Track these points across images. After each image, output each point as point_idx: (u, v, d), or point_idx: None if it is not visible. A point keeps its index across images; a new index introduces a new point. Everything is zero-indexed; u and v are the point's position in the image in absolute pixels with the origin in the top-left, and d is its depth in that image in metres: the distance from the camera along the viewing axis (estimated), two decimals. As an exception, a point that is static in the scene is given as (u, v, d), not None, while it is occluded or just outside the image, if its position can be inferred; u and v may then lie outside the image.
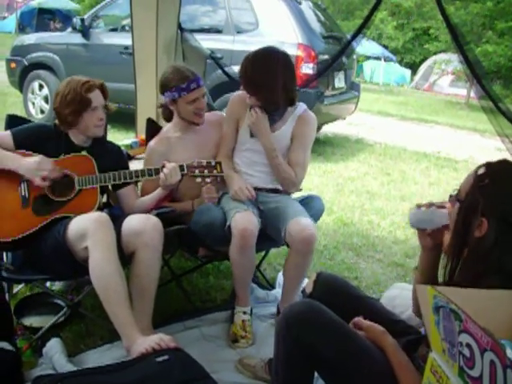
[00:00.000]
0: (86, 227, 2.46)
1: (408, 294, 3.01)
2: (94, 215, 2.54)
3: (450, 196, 1.85)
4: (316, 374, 1.94)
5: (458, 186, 1.84)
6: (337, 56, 4.27)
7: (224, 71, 4.87)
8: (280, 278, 3.56)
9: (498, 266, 1.65)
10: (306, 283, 2.35)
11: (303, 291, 2.51)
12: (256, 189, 3.11)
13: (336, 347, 1.83)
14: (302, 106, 3.18)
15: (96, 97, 2.83)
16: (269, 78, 2.96)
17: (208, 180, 2.83)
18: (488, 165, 1.75)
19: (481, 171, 1.74)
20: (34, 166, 2.67)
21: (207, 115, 3.33)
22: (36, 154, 2.76)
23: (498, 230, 1.65)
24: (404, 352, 1.85)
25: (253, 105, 3.04)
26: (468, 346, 1.21)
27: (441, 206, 1.94)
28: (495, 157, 1.82)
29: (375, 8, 3.60)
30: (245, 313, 3.01)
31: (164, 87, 3.13)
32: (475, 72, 3.15)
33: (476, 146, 10.07)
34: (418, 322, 2.39)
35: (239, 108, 3.17)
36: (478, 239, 1.68)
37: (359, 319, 1.99)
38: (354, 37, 3.83)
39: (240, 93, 3.22)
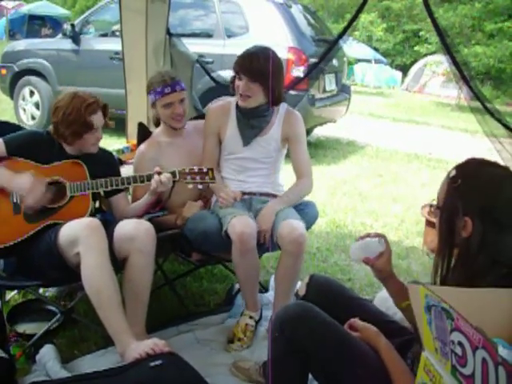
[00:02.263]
0: (78, 233, 2.45)
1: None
2: (86, 221, 2.53)
3: (431, 206, 1.87)
4: (310, 376, 1.94)
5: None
6: (323, 56, 4.25)
7: (210, 76, 4.86)
8: (273, 280, 3.56)
9: (491, 262, 1.66)
10: (299, 286, 2.35)
11: (296, 294, 2.52)
12: (250, 194, 3.13)
13: (329, 349, 1.83)
14: (283, 105, 3.19)
15: (98, 119, 2.81)
16: (279, 69, 3.01)
17: (200, 187, 2.84)
18: (458, 166, 1.79)
19: (452, 174, 1.77)
20: (26, 187, 2.64)
21: (196, 123, 3.34)
22: (28, 160, 2.76)
23: (483, 226, 1.66)
24: (397, 352, 1.86)
25: (242, 106, 3.02)
26: (460, 344, 1.21)
27: (376, 235, 2.09)
28: (486, 158, 1.84)
29: (361, 8, 3.61)
30: (251, 318, 3.00)
31: (147, 90, 3.18)
32: (463, 74, 3.17)
33: (467, 146, 10.10)
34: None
35: (218, 119, 3.16)
36: (466, 240, 1.69)
37: (354, 320, 1.99)
38: (340, 37, 3.84)
39: (217, 104, 3.25)
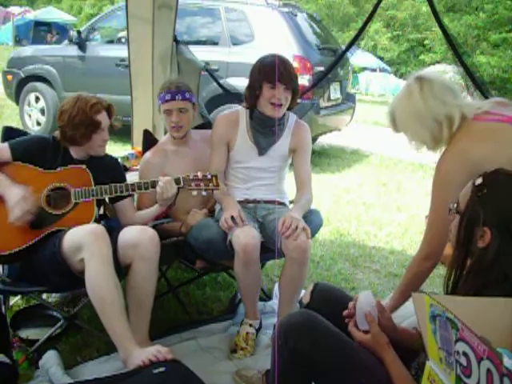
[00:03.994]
0: (82, 239, 2.46)
1: (405, 304, 3.02)
2: (90, 227, 2.54)
3: (450, 210, 1.86)
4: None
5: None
6: (331, 66, 4.29)
7: (218, 83, 4.88)
8: (277, 288, 3.55)
9: (503, 276, 1.65)
10: (303, 294, 2.34)
11: (300, 302, 2.51)
12: (254, 201, 3.13)
13: (333, 358, 1.82)
14: (292, 116, 3.21)
15: (103, 118, 2.82)
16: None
17: (204, 193, 2.84)
18: (484, 175, 1.76)
19: (478, 181, 1.74)
20: (14, 200, 2.60)
21: (203, 132, 3.35)
22: (31, 165, 2.76)
23: (501, 238, 1.65)
24: (402, 361, 1.85)
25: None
26: (465, 354, 1.21)
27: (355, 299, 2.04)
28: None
29: (369, 19, 3.63)
30: (251, 326, 2.99)
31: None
32: (475, 80, 3.17)
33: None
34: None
35: (228, 128, 3.15)
36: (481, 250, 1.68)
37: (373, 320, 1.96)
38: (348, 47, 3.86)
39: (225, 113, 3.25)
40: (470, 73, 3.13)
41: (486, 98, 3.15)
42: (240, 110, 3.19)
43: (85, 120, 2.75)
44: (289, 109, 3.12)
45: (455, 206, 1.82)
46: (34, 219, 2.65)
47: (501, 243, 1.65)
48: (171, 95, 3.11)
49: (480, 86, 3.14)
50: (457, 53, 3.14)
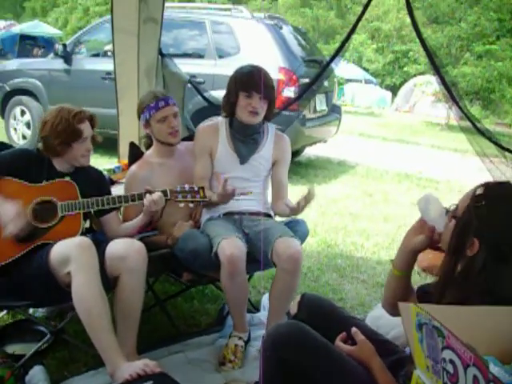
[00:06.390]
0: (69, 252, 2.45)
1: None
2: (77, 240, 2.53)
3: (447, 211, 1.86)
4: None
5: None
6: (316, 78, 4.32)
7: (203, 96, 4.90)
8: (265, 300, 3.55)
9: (486, 290, 1.65)
10: (291, 305, 2.35)
11: (288, 313, 2.51)
12: (240, 213, 3.13)
13: (321, 368, 1.82)
14: (272, 126, 3.26)
15: (86, 128, 2.83)
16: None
17: (191, 205, 2.84)
18: (487, 186, 1.72)
19: (479, 191, 1.71)
20: (9, 215, 2.62)
21: (188, 144, 3.36)
22: (16, 179, 2.74)
23: (488, 254, 1.64)
24: (390, 371, 1.85)
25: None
26: (451, 361, 1.21)
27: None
28: (476, 177, 1.82)
29: (352, 30, 3.66)
30: (240, 338, 2.98)
31: (138, 111, 3.21)
32: (452, 94, 3.21)
33: (457, 166, 10.17)
34: (403, 342, 2.40)
35: (210, 138, 3.18)
36: (469, 258, 1.68)
37: (356, 331, 1.98)
38: (333, 58, 3.89)
39: (206, 124, 3.28)
40: (447, 87, 3.16)
41: (464, 113, 3.17)
42: (220, 120, 3.22)
43: (67, 128, 2.76)
44: (268, 119, 3.16)
45: (454, 209, 1.81)
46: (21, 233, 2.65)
47: (487, 257, 1.63)
48: (164, 101, 3.13)
49: (457, 101, 3.17)
50: (435, 66, 3.17)
